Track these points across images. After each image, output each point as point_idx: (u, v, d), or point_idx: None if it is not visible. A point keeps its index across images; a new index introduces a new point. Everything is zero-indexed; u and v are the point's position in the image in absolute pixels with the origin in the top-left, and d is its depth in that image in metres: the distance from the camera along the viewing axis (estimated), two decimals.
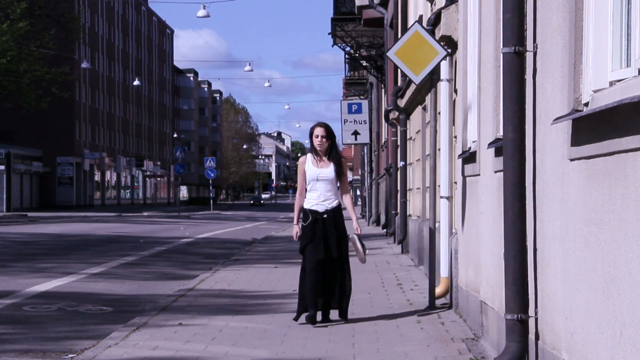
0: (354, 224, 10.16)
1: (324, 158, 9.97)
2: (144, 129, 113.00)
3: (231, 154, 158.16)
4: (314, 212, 9.91)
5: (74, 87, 78.65)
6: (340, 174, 9.97)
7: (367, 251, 10.42)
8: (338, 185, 10.05)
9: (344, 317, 10.01)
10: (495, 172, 7.75)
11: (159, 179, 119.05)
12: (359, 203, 76.46)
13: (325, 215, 9.89)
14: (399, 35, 17.20)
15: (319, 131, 9.97)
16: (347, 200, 10.26)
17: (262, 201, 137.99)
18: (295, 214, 10.07)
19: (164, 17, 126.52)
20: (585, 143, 5.14)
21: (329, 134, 9.98)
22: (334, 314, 10.11)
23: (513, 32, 6.29)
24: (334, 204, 9.94)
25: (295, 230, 10.03)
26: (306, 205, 9.97)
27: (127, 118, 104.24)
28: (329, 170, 9.92)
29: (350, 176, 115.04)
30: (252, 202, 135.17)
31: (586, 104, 5.25)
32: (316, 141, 9.97)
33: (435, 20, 11.55)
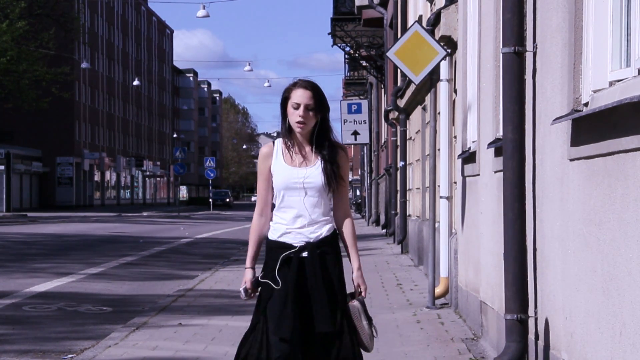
0: (355, 275, 5.40)
1: (306, 148, 5.32)
2: (144, 129, 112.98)
3: (231, 154, 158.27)
4: (283, 247, 5.29)
5: (74, 87, 78.62)
6: (335, 177, 5.30)
7: (375, 327, 5.39)
8: (331, 198, 5.39)
9: None
10: (495, 172, 7.75)
11: (158, 179, 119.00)
12: (359, 201, 75.35)
13: (305, 254, 5.26)
14: (399, 35, 17.21)
15: (301, 96, 5.23)
16: (346, 229, 5.42)
17: (228, 200, 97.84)
18: (249, 251, 5.44)
19: (162, 17, 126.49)
20: (585, 143, 5.14)
21: (320, 104, 5.27)
22: None
23: (513, 32, 6.29)
24: (324, 231, 5.30)
25: (246, 278, 5.43)
26: (271, 236, 5.35)
27: (126, 118, 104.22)
28: (314, 170, 5.28)
29: (349, 176, 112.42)
30: (211, 200, 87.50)
31: (586, 104, 5.25)
32: (295, 115, 5.25)
33: (435, 20, 11.55)
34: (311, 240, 5.26)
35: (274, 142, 5.41)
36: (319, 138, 5.30)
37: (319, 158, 5.30)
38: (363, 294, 5.35)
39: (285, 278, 5.22)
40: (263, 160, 5.39)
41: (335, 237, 5.35)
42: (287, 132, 5.32)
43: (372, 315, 5.48)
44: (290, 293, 5.19)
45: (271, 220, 5.39)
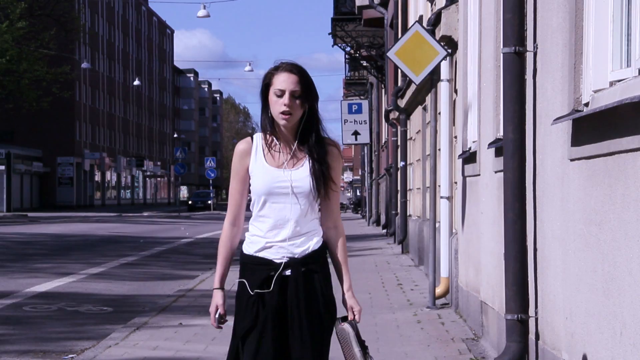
0: (346, 295, 4.53)
1: (291, 145, 4.44)
2: (144, 129, 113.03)
3: (231, 154, 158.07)
4: (262, 264, 4.44)
5: (74, 87, 78.65)
6: (324, 181, 4.41)
7: (371, 357, 4.71)
8: (319, 205, 4.47)
9: None
10: (496, 172, 7.75)
11: (159, 179, 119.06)
12: (357, 200, 74.71)
13: (288, 272, 4.40)
14: (399, 35, 17.21)
15: (286, 81, 4.35)
16: (336, 242, 4.52)
17: (210, 202, 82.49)
18: (218, 269, 4.62)
19: (163, 17, 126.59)
20: (585, 143, 5.14)
21: (308, 91, 4.38)
22: None
23: (513, 32, 6.30)
24: (312, 245, 4.43)
25: (217, 302, 4.67)
26: (248, 249, 4.52)
27: (127, 118, 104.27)
28: (301, 172, 4.41)
29: (350, 176, 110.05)
30: (190, 202, 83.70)
31: (586, 104, 5.25)
32: (278, 104, 4.35)
33: (436, 20, 11.55)
34: (295, 256, 4.38)
35: (252, 137, 4.51)
36: (306, 132, 4.40)
37: (306, 157, 4.41)
38: (357, 317, 4.51)
39: (264, 307, 4.38)
40: (240, 159, 4.51)
41: (324, 251, 4.46)
42: (268, 126, 4.43)
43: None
44: (269, 327, 4.38)
45: (246, 230, 4.52)
